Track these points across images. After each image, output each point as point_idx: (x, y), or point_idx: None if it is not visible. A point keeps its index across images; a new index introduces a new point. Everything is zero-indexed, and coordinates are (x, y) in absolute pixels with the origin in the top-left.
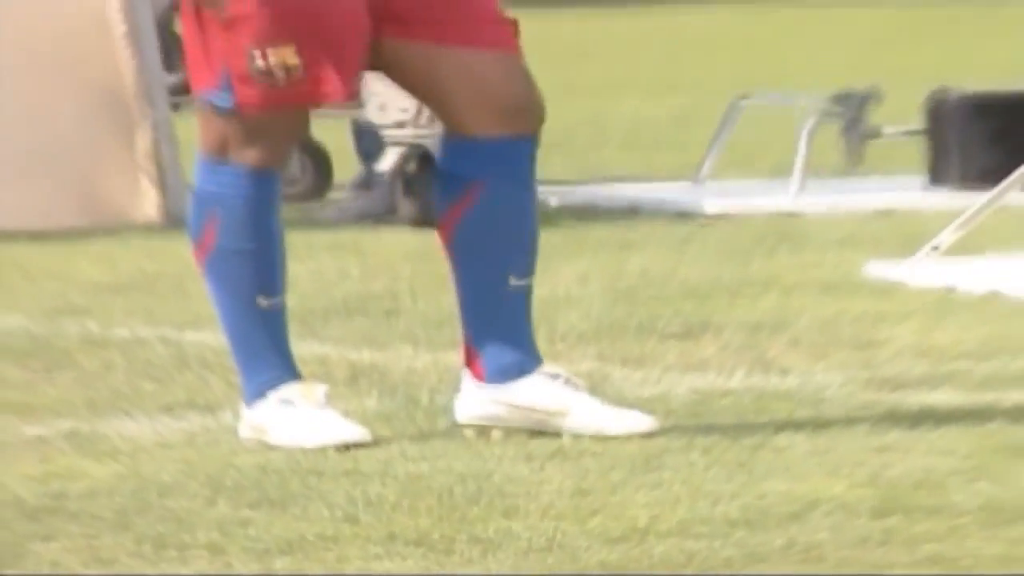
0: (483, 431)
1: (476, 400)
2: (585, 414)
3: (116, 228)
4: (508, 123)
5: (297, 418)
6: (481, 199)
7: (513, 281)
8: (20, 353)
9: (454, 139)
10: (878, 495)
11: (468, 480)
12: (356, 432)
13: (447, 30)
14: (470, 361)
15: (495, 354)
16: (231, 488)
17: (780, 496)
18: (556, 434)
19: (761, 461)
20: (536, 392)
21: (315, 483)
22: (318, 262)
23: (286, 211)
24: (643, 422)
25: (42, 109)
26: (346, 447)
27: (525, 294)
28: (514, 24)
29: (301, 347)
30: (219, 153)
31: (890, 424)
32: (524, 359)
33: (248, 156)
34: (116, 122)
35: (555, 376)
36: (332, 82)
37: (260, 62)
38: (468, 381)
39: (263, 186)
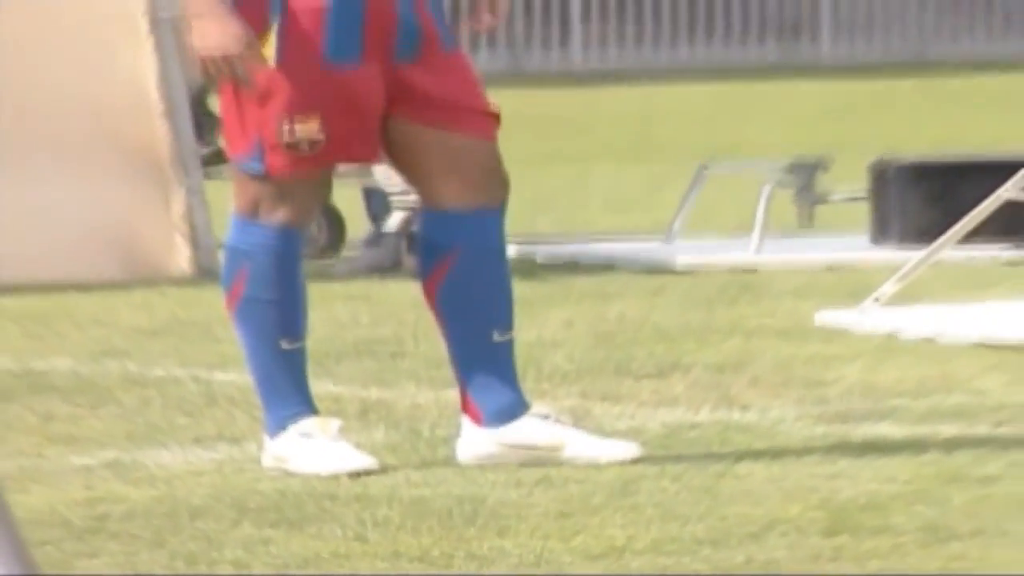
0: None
1: (477, 442)
2: (578, 447)
3: (153, 280)
4: (479, 195)
5: (314, 449)
6: (458, 264)
7: (496, 336)
8: (68, 391)
9: (431, 212)
10: (828, 517)
11: (465, 503)
12: (365, 461)
13: (441, 116)
14: (466, 407)
15: (489, 400)
16: (254, 511)
17: (741, 518)
18: (543, 464)
19: (724, 487)
20: (531, 431)
21: (329, 506)
22: (332, 310)
23: (305, 265)
24: (629, 450)
25: (90, 176)
26: (357, 474)
27: (509, 345)
28: (496, 116)
29: (317, 385)
30: (251, 213)
31: (839, 454)
32: (515, 403)
33: (277, 216)
34: (155, 187)
35: (545, 416)
36: (355, 145)
37: (288, 133)
38: (467, 425)
39: (289, 243)
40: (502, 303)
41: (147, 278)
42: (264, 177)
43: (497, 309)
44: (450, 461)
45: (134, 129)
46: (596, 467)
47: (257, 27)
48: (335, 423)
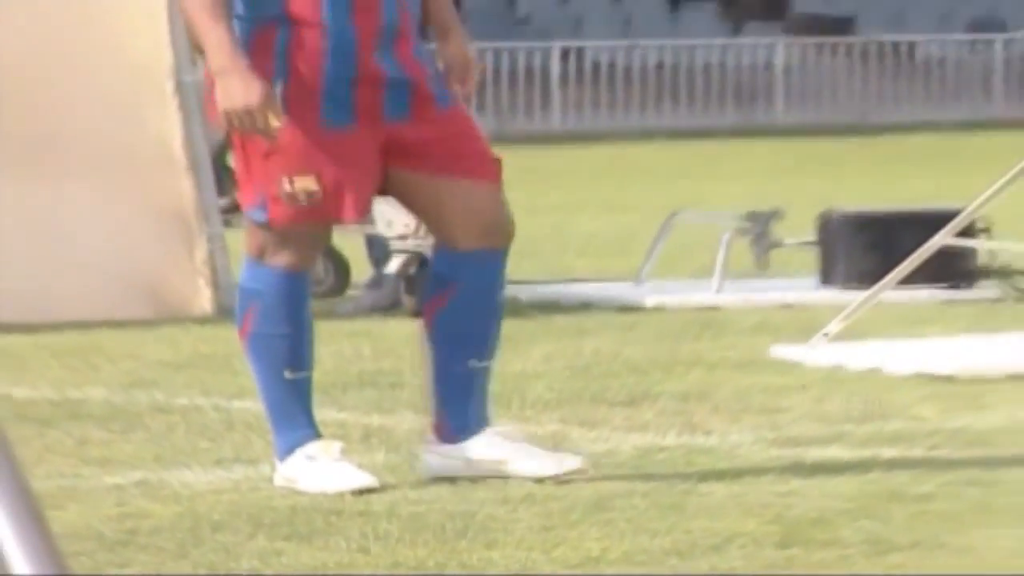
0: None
1: (439, 455)
2: (524, 459)
3: (178, 318)
4: (485, 239)
5: (319, 469)
6: (457, 297)
7: (473, 363)
8: (102, 417)
9: (442, 249)
10: (782, 531)
11: (457, 518)
12: (366, 479)
13: (444, 164)
14: (435, 423)
15: (453, 418)
16: (268, 525)
17: (704, 531)
18: (527, 480)
19: (689, 504)
20: (483, 447)
21: (335, 521)
22: (338, 345)
23: (314, 304)
24: (572, 461)
25: (120, 225)
26: (359, 492)
27: (484, 372)
28: (498, 161)
29: (325, 412)
30: (259, 256)
31: (791, 474)
32: (476, 422)
33: (280, 260)
34: (180, 235)
35: (499, 433)
36: (346, 205)
37: (288, 188)
38: (432, 440)
39: (293, 283)
40: (487, 335)
41: (172, 317)
42: (268, 225)
43: (481, 340)
44: (443, 481)
45: (161, 181)
46: (574, 485)
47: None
48: (337, 445)
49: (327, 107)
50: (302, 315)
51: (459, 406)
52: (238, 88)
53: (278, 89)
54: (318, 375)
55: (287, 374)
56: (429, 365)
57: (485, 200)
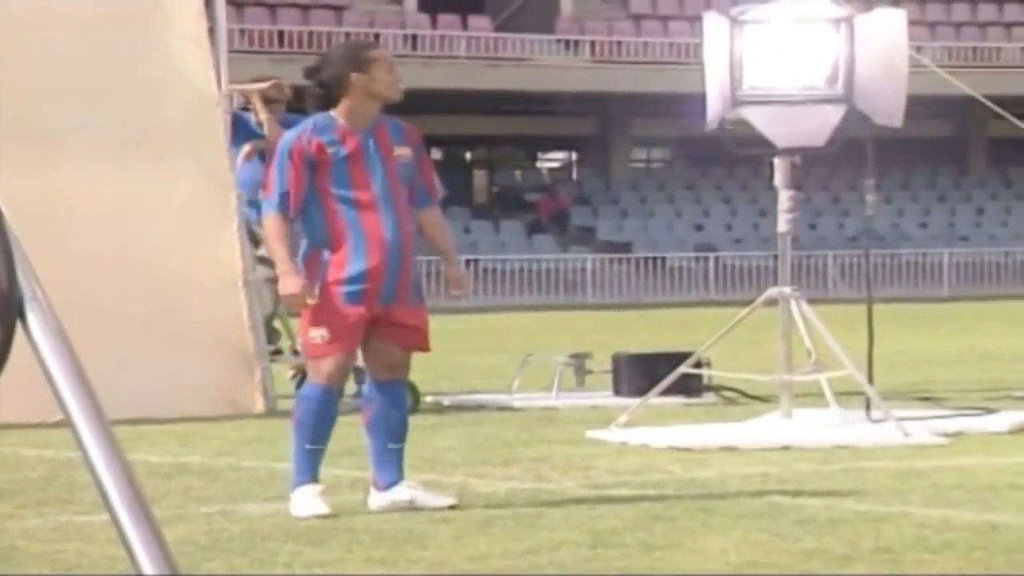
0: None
1: (377, 499)
2: (422, 498)
3: (244, 415)
4: (393, 375)
5: (303, 501)
6: (378, 409)
7: (391, 445)
8: (199, 472)
9: (370, 378)
10: (592, 538)
11: (403, 532)
12: (326, 510)
13: (394, 337)
14: (373, 478)
15: (382, 476)
16: (295, 537)
17: (545, 539)
18: (436, 510)
19: (538, 522)
20: (400, 494)
21: (333, 534)
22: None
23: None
24: (449, 500)
25: (187, 350)
26: (323, 516)
27: (400, 450)
28: (427, 343)
29: (328, 469)
30: (310, 378)
31: (597, 504)
32: (396, 478)
33: (315, 380)
34: (245, 363)
35: (410, 485)
36: (347, 343)
37: (312, 333)
38: (373, 489)
39: (325, 395)
40: (399, 428)
41: (241, 414)
42: (308, 358)
43: (395, 432)
44: (397, 510)
45: (236, 338)
46: (470, 511)
47: (312, 280)
48: (318, 488)
49: (345, 297)
50: (328, 413)
51: (385, 470)
52: (289, 283)
53: (319, 282)
54: (334, 445)
55: (307, 445)
56: (369, 446)
57: (402, 360)
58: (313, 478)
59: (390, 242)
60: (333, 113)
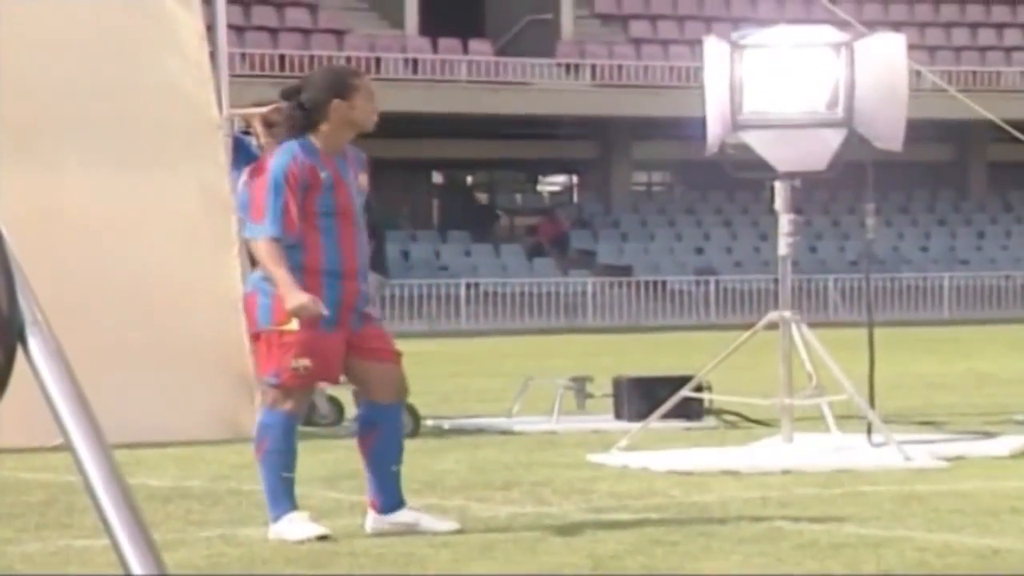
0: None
1: (376, 522)
2: (425, 522)
3: (244, 439)
4: (389, 397)
5: (296, 526)
6: (379, 434)
7: (392, 467)
8: (199, 496)
9: (366, 402)
10: (592, 562)
11: (404, 555)
12: (323, 530)
13: (369, 353)
14: (372, 502)
15: (383, 499)
16: (296, 561)
17: (546, 562)
18: (437, 534)
19: (539, 546)
20: (403, 517)
21: (334, 558)
22: (336, 453)
23: (320, 431)
24: (453, 524)
25: (187, 373)
26: (320, 538)
27: (398, 472)
28: (399, 354)
29: (326, 493)
30: (271, 406)
31: (598, 528)
32: (397, 502)
33: (284, 407)
34: (240, 383)
35: (413, 509)
36: (327, 372)
37: (295, 364)
38: (372, 512)
39: (292, 421)
40: (397, 451)
41: (239, 437)
42: (279, 386)
43: (395, 454)
44: (397, 533)
45: (237, 361)
46: (469, 535)
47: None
48: (305, 514)
49: (327, 322)
50: (294, 442)
51: (385, 493)
52: (296, 297)
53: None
54: (323, 469)
55: (284, 473)
56: (367, 470)
57: (392, 376)
58: (294, 505)
59: (361, 267)
60: (311, 138)
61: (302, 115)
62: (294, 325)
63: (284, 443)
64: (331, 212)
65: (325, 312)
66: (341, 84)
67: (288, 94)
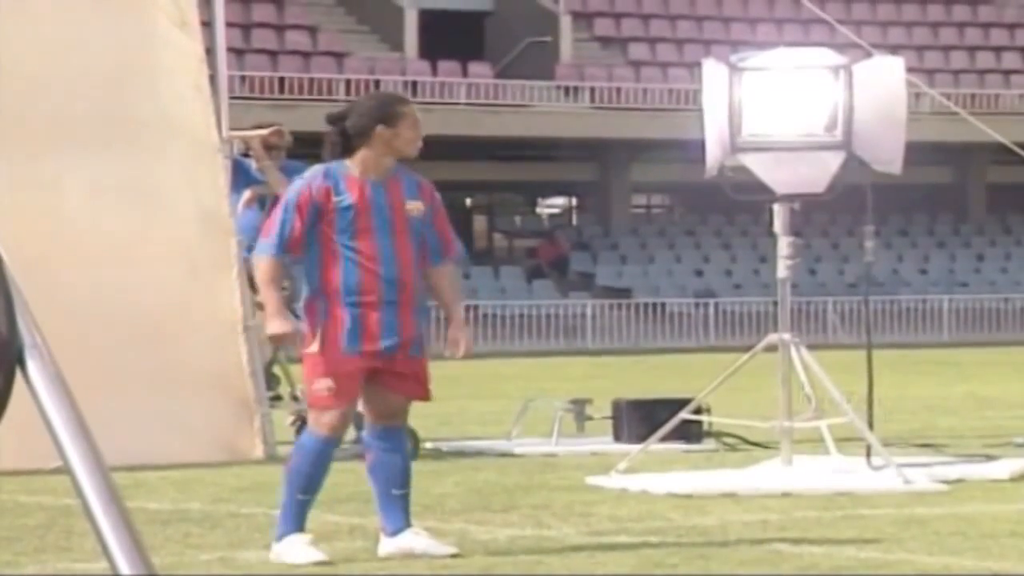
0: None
1: (385, 544)
2: (426, 546)
3: (243, 461)
4: (393, 420)
5: (296, 549)
6: (380, 453)
7: (394, 491)
8: (198, 520)
9: (370, 424)
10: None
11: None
12: (321, 556)
13: (396, 385)
14: (382, 525)
15: (389, 523)
16: None
17: None
18: (438, 557)
19: (537, 567)
20: (408, 540)
21: None
22: (336, 477)
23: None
24: (451, 549)
25: (187, 396)
26: (318, 563)
27: (404, 495)
28: (429, 393)
29: (326, 516)
30: (310, 427)
31: (596, 550)
32: (403, 525)
33: (319, 431)
34: (240, 406)
35: (416, 532)
36: (348, 395)
37: (318, 384)
38: (382, 536)
39: (325, 446)
40: (401, 474)
41: (241, 460)
42: (310, 406)
43: (398, 478)
44: (399, 557)
45: (236, 384)
46: (470, 558)
47: (312, 329)
48: (308, 537)
49: (345, 342)
50: (321, 466)
51: (391, 516)
52: (276, 324)
53: (319, 330)
54: (321, 492)
55: (299, 495)
56: (374, 492)
57: (402, 406)
58: (300, 527)
59: (387, 296)
60: (347, 162)
61: (343, 140)
62: (315, 347)
63: (308, 466)
64: (350, 235)
65: (314, 348)
66: (386, 111)
67: (334, 119)
